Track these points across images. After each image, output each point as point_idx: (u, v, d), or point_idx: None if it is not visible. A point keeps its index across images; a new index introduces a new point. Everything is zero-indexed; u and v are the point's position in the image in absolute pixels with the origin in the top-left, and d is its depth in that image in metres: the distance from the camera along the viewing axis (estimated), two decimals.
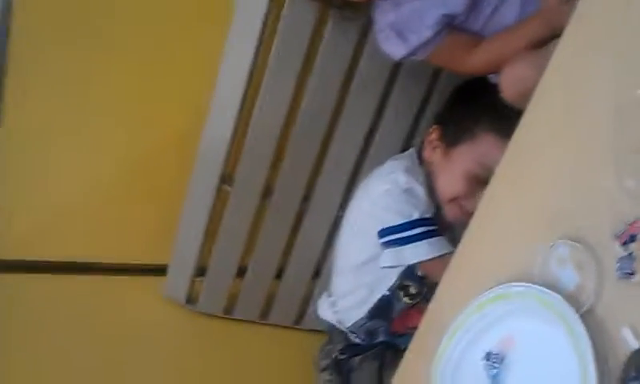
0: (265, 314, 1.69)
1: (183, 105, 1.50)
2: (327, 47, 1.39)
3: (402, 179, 1.32)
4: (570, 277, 0.76)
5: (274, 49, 1.36)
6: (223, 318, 1.65)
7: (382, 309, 1.41)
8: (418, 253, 1.29)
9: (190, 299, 1.63)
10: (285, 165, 1.53)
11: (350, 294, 1.44)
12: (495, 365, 0.84)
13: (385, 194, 1.33)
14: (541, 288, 0.77)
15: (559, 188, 0.80)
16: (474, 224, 0.91)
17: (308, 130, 1.50)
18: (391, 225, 1.31)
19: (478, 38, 1.26)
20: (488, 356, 0.85)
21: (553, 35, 1.17)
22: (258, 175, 1.51)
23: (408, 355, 1.00)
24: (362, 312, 1.43)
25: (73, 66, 1.43)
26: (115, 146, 1.53)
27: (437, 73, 1.55)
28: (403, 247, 1.30)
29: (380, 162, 1.43)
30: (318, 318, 1.54)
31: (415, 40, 1.23)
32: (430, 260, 1.28)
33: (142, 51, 1.46)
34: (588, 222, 0.75)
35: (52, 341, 1.51)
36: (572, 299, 0.75)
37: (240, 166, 1.49)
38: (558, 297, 0.75)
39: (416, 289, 1.39)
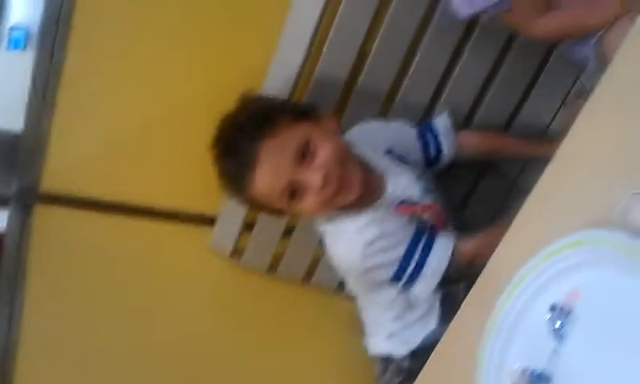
0: (308, 275, 1.66)
1: (249, 49, 1.48)
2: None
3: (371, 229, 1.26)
4: None
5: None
6: (267, 275, 1.64)
7: None
8: (440, 259, 1.26)
9: (235, 252, 1.62)
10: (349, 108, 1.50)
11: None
12: (560, 318, 0.80)
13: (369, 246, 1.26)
14: (623, 234, 0.72)
15: None
16: (548, 171, 0.86)
17: (376, 78, 1.47)
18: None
19: (548, 2, 1.22)
20: (553, 308, 0.81)
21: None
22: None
23: (464, 308, 0.96)
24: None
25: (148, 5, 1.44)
26: (179, 91, 1.54)
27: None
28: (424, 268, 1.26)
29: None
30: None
31: (482, 3, 1.21)
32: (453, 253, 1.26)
33: None
34: None
35: (93, 278, 1.52)
36: None
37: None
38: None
39: None
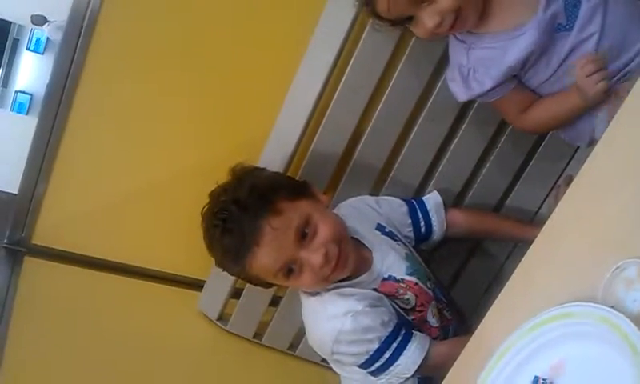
0: (293, 346, 1.65)
1: (247, 120, 1.53)
2: (401, 75, 1.42)
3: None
4: (635, 298, 0.73)
5: (346, 73, 1.40)
6: (252, 341, 1.63)
7: None
8: (410, 362, 1.26)
9: (222, 317, 1.62)
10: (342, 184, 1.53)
11: None
12: None
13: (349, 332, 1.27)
14: (604, 307, 0.74)
15: (630, 210, 0.78)
16: (535, 247, 0.89)
17: (370, 157, 1.51)
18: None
19: (535, 98, 1.28)
20: (536, 380, 0.82)
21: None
22: None
23: (447, 380, 0.96)
24: None
25: (150, 74, 1.49)
26: (175, 159, 1.57)
27: None
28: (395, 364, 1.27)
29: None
30: None
31: (477, 88, 1.26)
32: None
33: (216, 68, 1.51)
34: None
35: (76, 332, 1.50)
36: (636, 322, 0.71)
37: None
38: (622, 316, 0.72)
39: None
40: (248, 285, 1.56)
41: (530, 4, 1.18)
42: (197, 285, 1.63)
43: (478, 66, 1.24)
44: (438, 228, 1.49)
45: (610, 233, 0.79)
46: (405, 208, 1.49)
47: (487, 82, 1.24)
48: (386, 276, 1.34)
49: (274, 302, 1.62)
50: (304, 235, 1.24)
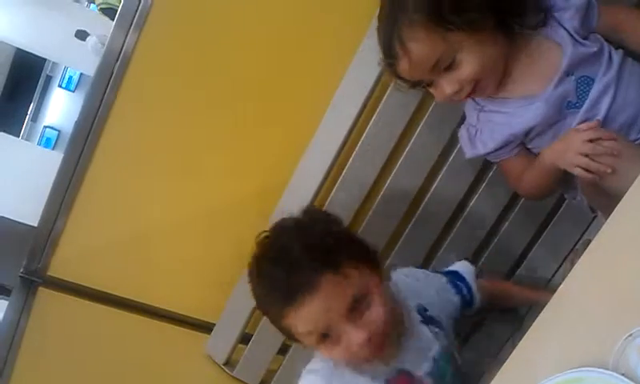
0: None
1: (269, 168, 1.55)
2: (422, 133, 1.45)
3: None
4: None
5: (368, 128, 1.43)
6: None
7: None
8: None
9: (229, 362, 1.61)
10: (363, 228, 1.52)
11: None
12: None
13: None
14: (614, 374, 0.73)
15: None
16: (548, 309, 0.88)
17: (387, 212, 1.51)
18: None
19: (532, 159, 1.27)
20: None
21: None
22: None
23: None
24: None
25: (176, 117, 1.53)
26: (193, 203, 1.59)
27: None
28: None
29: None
30: None
31: (481, 149, 1.28)
32: None
33: (241, 113, 1.54)
34: None
35: (83, 364, 1.50)
36: None
37: None
38: None
39: None
40: (257, 331, 1.56)
41: (544, 77, 1.19)
42: (206, 327, 1.63)
43: (485, 127, 1.26)
44: (477, 293, 1.40)
45: (625, 299, 0.78)
46: (444, 280, 1.39)
47: (490, 144, 1.26)
48: (403, 369, 1.21)
49: (283, 350, 1.60)
50: (354, 308, 1.10)
